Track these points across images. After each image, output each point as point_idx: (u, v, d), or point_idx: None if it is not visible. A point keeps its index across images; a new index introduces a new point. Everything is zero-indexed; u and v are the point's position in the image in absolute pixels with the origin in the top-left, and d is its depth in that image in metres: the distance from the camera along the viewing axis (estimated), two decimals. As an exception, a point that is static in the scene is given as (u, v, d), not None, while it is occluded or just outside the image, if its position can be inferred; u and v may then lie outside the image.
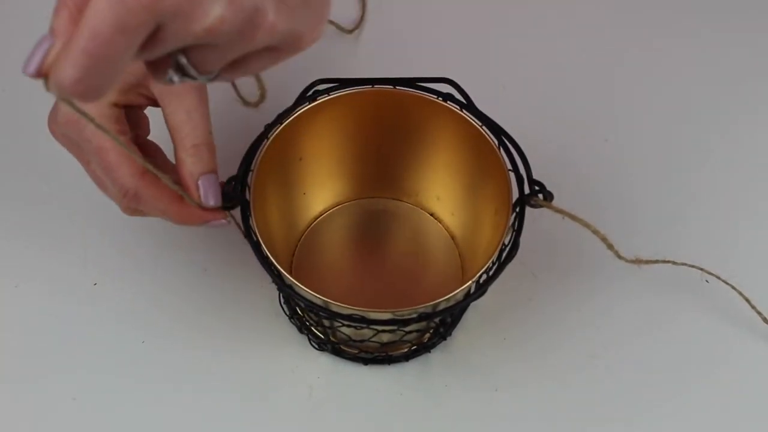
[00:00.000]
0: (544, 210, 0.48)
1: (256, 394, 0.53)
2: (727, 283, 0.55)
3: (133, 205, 0.46)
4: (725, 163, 0.64)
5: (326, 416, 0.52)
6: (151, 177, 0.45)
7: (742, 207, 0.62)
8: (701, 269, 0.54)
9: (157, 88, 0.45)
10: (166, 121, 0.45)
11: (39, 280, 0.56)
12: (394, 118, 0.55)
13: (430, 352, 0.55)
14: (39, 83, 0.32)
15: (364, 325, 0.47)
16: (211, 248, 0.58)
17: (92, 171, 0.46)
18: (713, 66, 0.69)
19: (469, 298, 0.48)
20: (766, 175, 0.63)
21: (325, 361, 0.55)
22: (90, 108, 0.43)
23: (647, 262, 0.52)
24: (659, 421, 0.53)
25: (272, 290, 0.56)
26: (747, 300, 0.55)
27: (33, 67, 0.32)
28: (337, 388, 0.54)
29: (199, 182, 0.45)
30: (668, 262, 0.54)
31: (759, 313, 0.55)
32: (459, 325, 0.56)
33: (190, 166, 0.45)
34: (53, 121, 0.45)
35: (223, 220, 0.46)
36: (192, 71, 0.34)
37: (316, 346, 0.55)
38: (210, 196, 0.45)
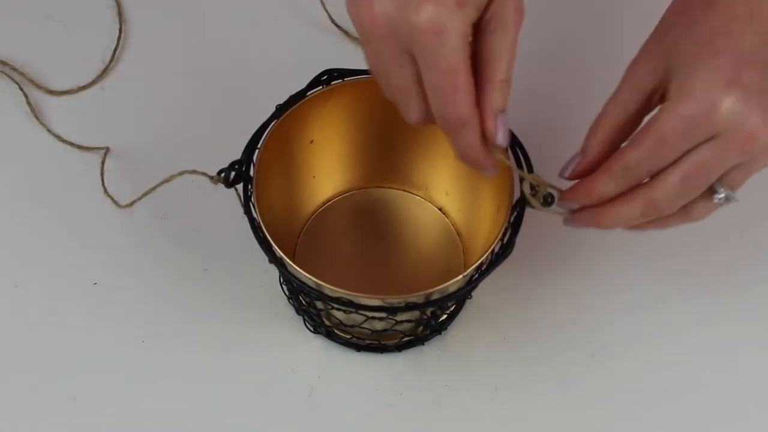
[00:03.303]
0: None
1: (256, 391, 0.53)
2: None
3: (454, 131, 0.43)
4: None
5: (321, 410, 0.53)
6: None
7: (742, 207, 0.61)
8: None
9: (496, 9, 0.41)
10: (481, 49, 0.42)
11: (39, 280, 0.57)
12: None
13: (423, 344, 0.55)
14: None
15: (353, 310, 0.47)
16: (211, 248, 0.58)
17: (400, 79, 0.42)
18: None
19: (459, 292, 0.48)
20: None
21: (320, 344, 0.55)
22: (456, 30, 0.40)
23: None
24: (660, 421, 0.53)
25: (271, 290, 0.56)
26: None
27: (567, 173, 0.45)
28: (331, 376, 0.54)
29: (498, 118, 0.43)
30: None
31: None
32: (456, 322, 0.56)
33: (495, 100, 0.42)
34: (382, 5, 0.40)
35: (492, 170, 0.44)
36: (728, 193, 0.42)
37: (312, 329, 0.55)
38: (503, 136, 0.43)
